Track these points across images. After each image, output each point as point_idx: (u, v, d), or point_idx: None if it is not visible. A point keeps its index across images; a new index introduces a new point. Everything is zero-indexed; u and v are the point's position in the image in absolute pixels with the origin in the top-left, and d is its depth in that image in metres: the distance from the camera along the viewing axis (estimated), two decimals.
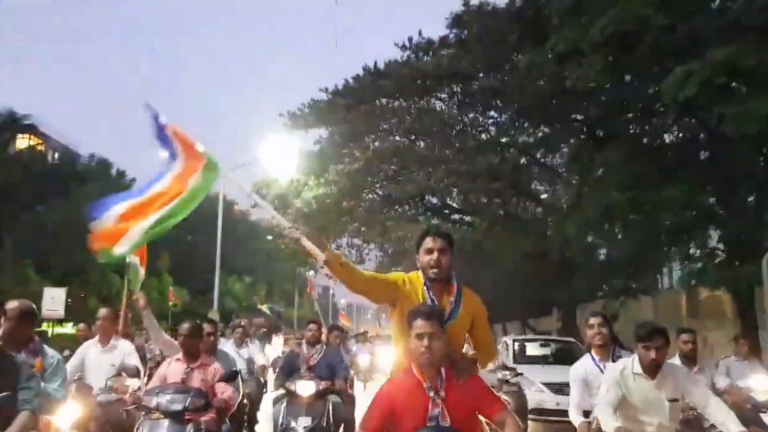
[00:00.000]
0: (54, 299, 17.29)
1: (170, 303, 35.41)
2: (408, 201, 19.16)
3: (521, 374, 8.97)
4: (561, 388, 9.42)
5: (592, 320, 4.71)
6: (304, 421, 5.90)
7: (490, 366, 8.08)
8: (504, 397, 7.69)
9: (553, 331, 23.74)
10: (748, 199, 12.73)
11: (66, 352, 6.60)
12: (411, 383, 3.03)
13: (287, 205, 22.22)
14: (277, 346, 16.74)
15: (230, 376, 5.25)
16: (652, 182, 11.79)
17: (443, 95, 20.68)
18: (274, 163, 22.22)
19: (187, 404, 4.67)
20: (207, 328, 6.07)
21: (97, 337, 6.23)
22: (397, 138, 19.78)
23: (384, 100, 20.36)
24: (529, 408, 9.30)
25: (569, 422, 4.90)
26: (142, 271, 8.34)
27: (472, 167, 16.38)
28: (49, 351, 4.70)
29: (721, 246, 12.51)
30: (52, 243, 30.68)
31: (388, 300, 3.43)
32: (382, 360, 15.83)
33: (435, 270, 3.33)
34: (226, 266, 34.79)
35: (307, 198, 21.49)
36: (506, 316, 31.69)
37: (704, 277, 11.74)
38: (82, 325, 8.98)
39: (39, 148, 43.56)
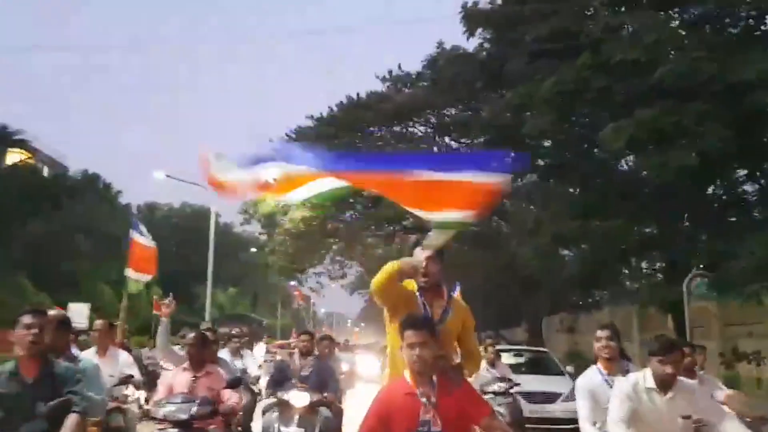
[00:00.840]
0: (78, 313, 19.67)
1: (155, 313, 36.52)
2: (386, 222, 20.91)
3: (518, 384, 8.78)
4: (531, 395, 9.87)
5: (600, 333, 4.50)
6: None
7: (487, 376, 8.31)
8: (499, 409, 7.56)
9: (523, 341, 25.52)
10: (685, 225, 14.64)
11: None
12: (404, 390, 3.15)
13: (274, 223, 23.89)
14: (258, 355, 17.61)
15: (235, 383, 5.37)
16: (599, 212, 13.68)
17: (420, 123, 22.60)
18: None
19: (193, 413, 4.73)
20: (209, 336, 6.11)
21: (94, 348, 6.22)
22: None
23: (366, 129, 22.18)
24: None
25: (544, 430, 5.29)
26: (142, 282, 9.33)
27: None
28: (84, 357, 5.07)
29: (657, 267, 14.45)
30: (44, 255, 31.81)
31: (400, 303, 3.50)
32: (363, 368, 16.89)
33: (425, 279, 3.49)
34: (219, 278, 36.18)
35: (294, 217, 23.18)
36: (479, 327, 33.57)
37: (639, 296, 13.62)
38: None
39: (29, 162, 44.46)
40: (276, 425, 5.99)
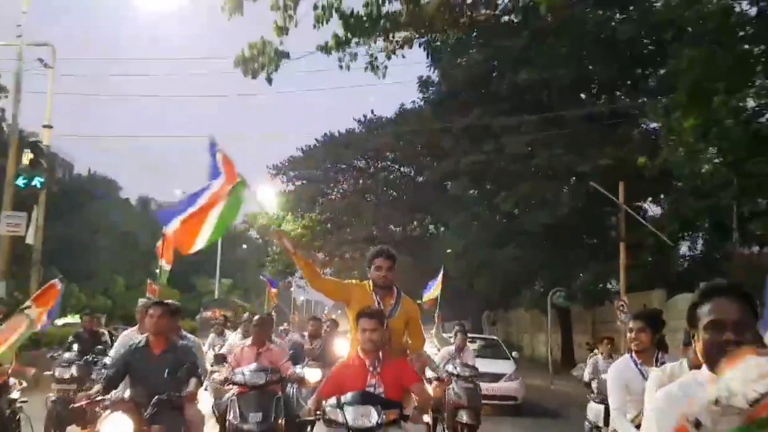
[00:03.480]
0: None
1: (148, 295, 41.81)
2: (361, 241, 27.04)
3: (479, 371, 9.11)
4: (481, 375, 9.93)
5: (632, 324, 4.37)
6: None
7: (452, 360, 8.62)
8: (459, 392, 8.06)
9: (468, 331, 32.16)
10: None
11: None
12: (357, 363, 4.10)
13: (269, 234, 29.88)
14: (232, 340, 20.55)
15: (296, 358, 6.36)
16: (504, 244, 19.91)
17: (387, 160, 28.79)
18: (260, 201, 30.04)
19: (267, 379, 5.57)
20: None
21: (136, 327, 7.04)
22: (351, 196, 27.96)
23: (343, 165, 28.44)
24: None
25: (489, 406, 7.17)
26: (167, 270, 10.74)
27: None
28: (190, 336, 6.19)
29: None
30: (65, 252, 37.02)
31: (341, 298, 4.67)
32: (339, 349, 22.90)
33: (382, 280, 4.37)
34: (208, 270, 41.83)
35: (286, 230, 29.15)
36: (451, 318, 40.49)
37: (528, 302, 20.03)
38: (86, 318, 9.58)
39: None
40: (296, 396, 6.79)
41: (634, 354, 4.24)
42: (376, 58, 8.80)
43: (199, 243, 4.85)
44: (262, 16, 8.52)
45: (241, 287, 48.07)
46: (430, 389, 6.25)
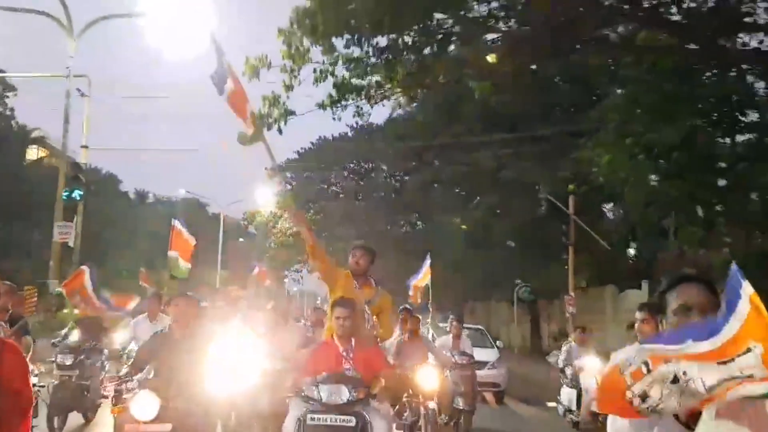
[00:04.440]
0: None
1: (141, 284, 43.70)
2: (352, 239, 29.69)
3: (484, 362, 9.45)
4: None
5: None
6: None
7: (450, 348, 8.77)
8: (456, 379, 8.19)
9: None
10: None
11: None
12: (332, 347, 4.59)
13: (266, 231, 32.41)
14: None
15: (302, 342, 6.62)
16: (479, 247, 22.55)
17: (377, 165, 31.29)
18: (259, 200, 32.55)
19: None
20: None
21: (145, 314, 7.48)
22: (341, 196, 30.57)
23: (335, 168, 30.94)
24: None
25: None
26: (182, 263, 10.49)
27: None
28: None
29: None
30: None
31: (330, 279, 5.04)
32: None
33: (355, 267, 4.97)
34: (208, 261, 44.22)
35: (282, 227, 31.63)
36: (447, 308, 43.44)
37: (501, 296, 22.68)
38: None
39: (46, 159, 50.70)
40: None
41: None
42: (361, 108, 11.29)
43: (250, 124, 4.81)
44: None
45: (237, 278, 50.44)
46: (435, 375, 6.76)
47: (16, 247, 31.42)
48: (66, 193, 14.49)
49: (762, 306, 1.44)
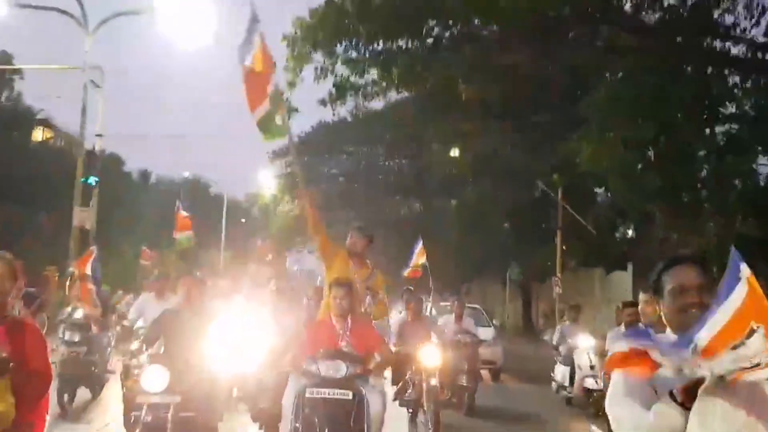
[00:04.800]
0: None
1: (141, 262, 44.29)
2: (352, 221, 30.57)
3: (482, 340, 9.52)
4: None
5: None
6: None
7: (453, 328, 8.97)
8: (457, 357, 8.31)
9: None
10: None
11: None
12: (329, 325, 4.76)
13: (269, 213, 33.30)
14: None
15: None
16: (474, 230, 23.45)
17: (376, 149, 32.06)
18: (262, 182, 33.48)
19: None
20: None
21: (152, 293, 7.59)
22: (341, 179, 31.39)
23: (335, 152, 31.70)
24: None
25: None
26: (185, 235, 12.65)
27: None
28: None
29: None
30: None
31: (329, 257, 5.19)
32: None
33: (351, 247, 5.16)
34: (211, 243, 45.13)
35: (283, 209, 32.51)
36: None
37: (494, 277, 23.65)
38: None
39: (51, 140, 51.26)
40: None
41: (649, 328, 4.26)
42: (360, 103, 12.11)
43: (259, 115, 4.81)
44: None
45: (239, 258, 51.40)
46: (437, 354, 6.97)
47: (25, 228, 32.22)
48: (82, 180, 15.27)
49: (758, 288, 1.48)
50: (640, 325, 4.48)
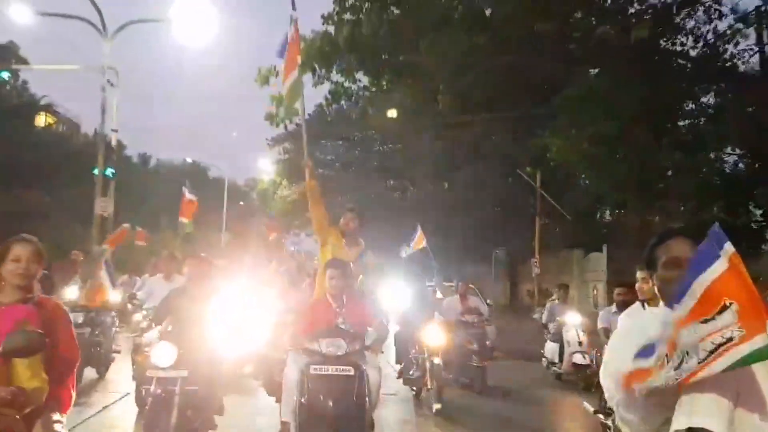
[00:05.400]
0: None
1: (136, 242, 44.63)
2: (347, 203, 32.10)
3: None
4: None
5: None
6: None
7: (458, 308, 8.98)
8: (466, 336, 8.41)
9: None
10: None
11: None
12: (324, 304, 4.92)
13: (268, 197, 34.78)
14: None
15: None
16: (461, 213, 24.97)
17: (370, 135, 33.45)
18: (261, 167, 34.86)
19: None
20: None
21: (161, 274, 7.75)
22: (337, 165, 32.81)
23: (331, 137, 33.14)
24: None
25: None
26: (188, 222, 12.73)
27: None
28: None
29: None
30: (84, 211, 40.96)
31: (323, 233, 5.40)
32: None
33: (345, 228, 5.38)
34: (211, 225, 46.44)
35: (281, 194, 33.91)
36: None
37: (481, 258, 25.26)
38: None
39: (54, 125, 52.02)
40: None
41: (645, 304, 4.42)
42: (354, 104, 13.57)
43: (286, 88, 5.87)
44: None
45: (241, 239, 52.73)
46: (441, 333, 7.16)
47: (34, 212, 33.40)
48: (102, 172, 16.50)
49: (742, 265, 1.46)
50: (637, 303, 4.68)
